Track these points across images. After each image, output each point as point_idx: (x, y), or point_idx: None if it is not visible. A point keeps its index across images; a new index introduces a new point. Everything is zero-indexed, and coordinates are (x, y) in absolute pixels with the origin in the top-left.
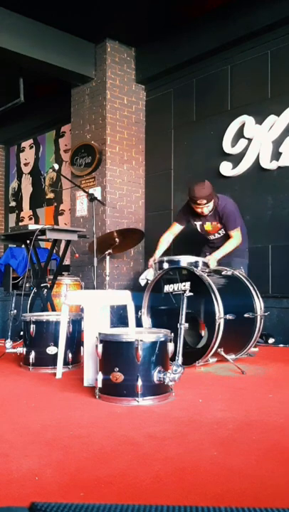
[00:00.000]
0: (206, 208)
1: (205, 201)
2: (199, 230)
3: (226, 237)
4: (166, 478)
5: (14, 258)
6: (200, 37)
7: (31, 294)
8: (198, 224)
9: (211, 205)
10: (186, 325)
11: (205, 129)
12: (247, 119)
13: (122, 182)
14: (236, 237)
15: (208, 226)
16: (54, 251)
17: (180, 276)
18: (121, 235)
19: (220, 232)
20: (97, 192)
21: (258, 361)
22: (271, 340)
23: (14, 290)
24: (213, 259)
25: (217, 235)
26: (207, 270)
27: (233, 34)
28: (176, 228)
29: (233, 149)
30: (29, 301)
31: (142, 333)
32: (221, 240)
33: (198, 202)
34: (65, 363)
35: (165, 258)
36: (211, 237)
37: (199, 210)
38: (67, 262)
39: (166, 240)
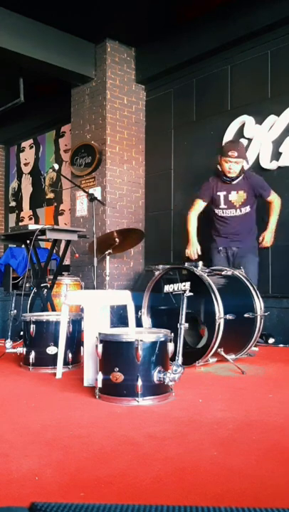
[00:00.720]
0: (236, 165)
1: (236, 154)
2: (222, 203)
3: (246, 218)
4: (166, 478)
5: (14, 258)
6: (200, 37)
7: (31, 294)
8: (222, 195)
9: (240, 164)
10: (186, 325)
11: (205, 129)
12: (247, 119)
13: (122, 182)
14: (277, 202)
15: (233, 196)
16: (54, 251)
17: (180, 276)
18: (121, 235)
19: (243, 208)
20: (97, 192)
21: (258, 361)
22: (271, 341)
23: (14, 290)
24: (268, 237)
25: (239, 212)
26: (207, 270)
27: (233, 34)
28: (200, 205)
29: None
30: (29, 301)
31: (142, 333)
32: (240, 223)
33: (230, 154)
34: (65, 363)
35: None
36: (232, 212)
37: (227, 167)
38: (67, 262)
39: (194, 222)
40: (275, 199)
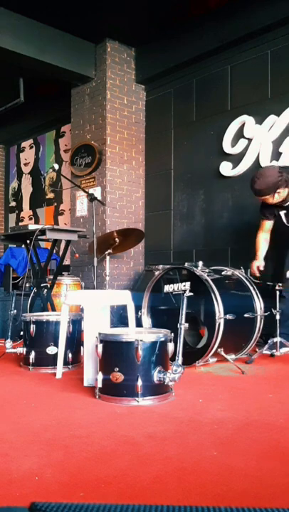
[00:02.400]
0: (272, 199)
1: (262, 197)
2: (285, 221)
3: None
4: (166, 478)
5: (14, 258)
6: (200, 37)
7: (31, 294)
8: (282, 213)
9: (282, 193)
10: (186, 325)
11: (205, 129)
12: (247, 119)
13: (122, 182)
14: None
15: None
16: (54, 251)
17: (180, 276)
18: (121, 235)
19: None
20: (97, 192)
21: (258, 361)
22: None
23: (14, 290)
24: None
25: None
26: (207, 270)
27: (233, 34)
28: (268, 225)
29: (233, 149)
30: (29, 301)
31: (142, 333)
32: None
33: (264, 199)
34: (65, 363)
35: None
36: None
37: (271, 201)
38: (67, 262)
39: (263, 239)
40: None
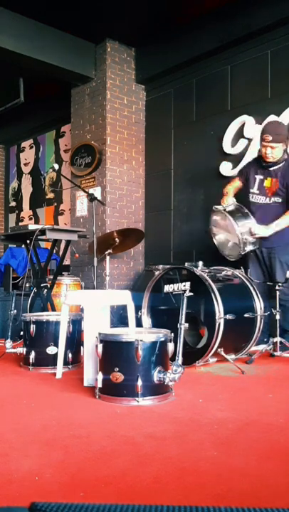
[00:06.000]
0: (270, 150)
1: (270, 138)
2: (256, 188)
3: (273, 210)
4: (166, 478)
5: (14, 258)
6: (200, 37)
7: (31, 294)
8: (258, 178)
9: (277, 149)
10: (186, 325)
11: (205, 129)
12: (247, 119)
13: (122, 182)
14: None
15: (268, 182)
16: (54, 251)
17: (180, 276)
18: (121, 235)
19: (273, 198)
20: (97, 192)
21: (258, 361)
22: None
23: (14, 290)
24: (262, 231)
25: (267, 200)
26: (207, 270)
27: (233, 34)
28: (237, 183)
29: (233, 149)
30: (29, 301)
31: (142, 333)
32: (266, 213)
33: (265, 137)
34: (65, 363)
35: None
36: (262, 199)
37: (263, 151)
38: (67, 262)
39: (231, 191)
40: None
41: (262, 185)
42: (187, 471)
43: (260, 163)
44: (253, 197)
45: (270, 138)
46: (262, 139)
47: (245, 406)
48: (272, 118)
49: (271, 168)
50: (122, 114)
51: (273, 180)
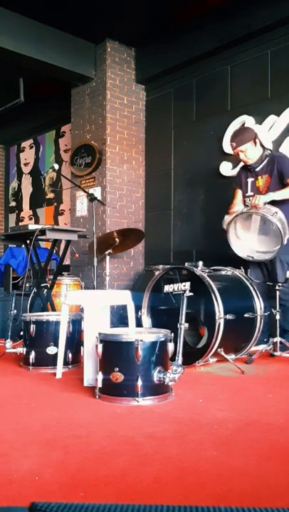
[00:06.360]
0: (243, 154)
1: (234, 144)
2: (250, 190)
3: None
4: (166, 478)
5: (14, 258)
6: (200, 37)
7: (31, 294)
8: (250, 181)
9: (248, 150)
10: (186, 325)
11: (205, 129)
12: (247, 119)
13: (122, 182)
14: None
15: (259, 181)
16: (54, 251)
17: (180, 276)
18: (121, 235)
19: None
20: (97, 192)
21: (258, 361)
22: None
23: (14, 290)
24: (261, 197)
25: None
26: (207, 270)
27: (233, 34)
28: (240, 194)
29: None
30: (29, 301)
31: (142, 333)
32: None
33: (230, 145)
34: (65, 363)
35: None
36: None
37: (239, 158)
38: (67, 262)
39: (240, 202)
40: None
41: (254, 186)
42: (187, 471)
43: (247, 167)
44: (250, 200)
45: (235, 144)
46: (232, 149)
47: (245, 406)
48: (271, 118)
49: (257, 169)
50: (122, 114)
51: (264, 177)
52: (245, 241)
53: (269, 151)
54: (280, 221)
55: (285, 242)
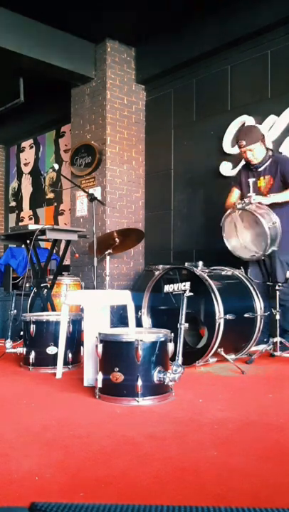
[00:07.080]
0: (250, 153)
1: (244, 142)
2: (252, 191)
3: (272, 206)
4: (166, 478)
5: (14, 258)
6: (200, 37)
7: (31, 294)
8: (251, 182)
9: (256, 150)
10: (186, 325)
11: (205, 129)
12: (247, 119)
13: (122, 182)
14: None
15: (261, 182)
16: (54, 251)
17: (180, 276)
18: (121, 235)
19: (270, 195)
20: (97, 192)
21: (258, 361)
22: None
23: (14, 290)
24: (262, 198)
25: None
26: (207, 270)
27: (233, 34)
28: (236, 193)
29: (233, 149)
30: (29, 301)
31: (142, 333)
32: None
33: (239, 143)
34: (65, 363)
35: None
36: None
37: (245, 156)
38: (67, 262)
39: (235, 199)
40: None
41: (256, 186)
42: (187, 471)
43: (249, 167)
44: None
45: (244, 142)
46: (239, 147)
47: (245, 406)
48: (271, 118)
49: (260, 169)
50: (122, 114)
51: (266, 178)
52: (238, 234)
53: (271, 152)
54: (273, 229)
55: (269, 251)
